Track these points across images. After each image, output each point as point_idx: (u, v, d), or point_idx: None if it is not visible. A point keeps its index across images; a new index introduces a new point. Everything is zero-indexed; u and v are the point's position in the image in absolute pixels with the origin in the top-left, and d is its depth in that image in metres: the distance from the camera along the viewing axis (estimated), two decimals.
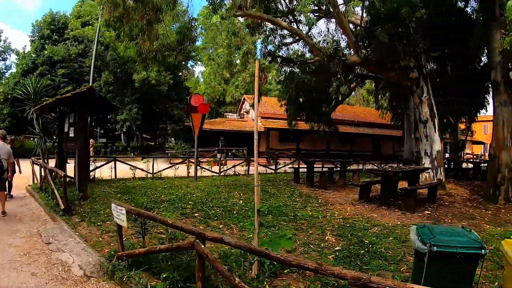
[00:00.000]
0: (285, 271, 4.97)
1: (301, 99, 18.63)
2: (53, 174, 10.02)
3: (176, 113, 35.85)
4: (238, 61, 47.30)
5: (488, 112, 21.66)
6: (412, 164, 18.01)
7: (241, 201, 10.52)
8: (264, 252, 3.31)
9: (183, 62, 35.85)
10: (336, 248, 6.36)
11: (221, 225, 7.93)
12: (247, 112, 36.61)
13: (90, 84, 16.05)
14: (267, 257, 3.46)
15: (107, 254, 5.57)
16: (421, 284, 3.43)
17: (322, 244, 6.59)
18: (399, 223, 8.45)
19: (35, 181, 12.81)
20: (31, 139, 29.79)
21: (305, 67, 17.41)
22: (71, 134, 10.51)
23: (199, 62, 50.25)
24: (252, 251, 3.47)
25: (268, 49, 17.03)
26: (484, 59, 17.21)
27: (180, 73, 39.95)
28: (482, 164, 20.27)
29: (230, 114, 36.51)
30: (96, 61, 29.96)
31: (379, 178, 12.01)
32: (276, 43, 17.36)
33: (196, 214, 8.74)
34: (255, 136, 4.95)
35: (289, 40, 18.29)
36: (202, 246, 3.70)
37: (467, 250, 3.58)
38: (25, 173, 12.14)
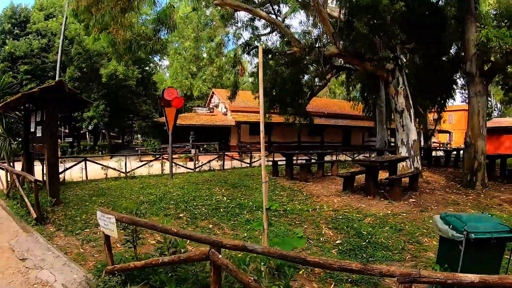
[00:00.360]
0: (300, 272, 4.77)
1: (274, 91, 18.35)
2: (21, 178, 9.29)
3: (144, 109, 34.70)
4: (205, 55, 46.72)
5: (455, 102, 22.37)
6: (385, 153, 18.35)
7: (224, 197, 10.15)
8: (301, 258, 2.97)
9: (157, 54, 34.80)
10: (337, 242, 6.36)
11: (211, 225, 7.56)
12: (216, 106, 36.10)
13: (57, 79, 15.03)
14: (304, 263, 3.16)
15: (93, 269, 5.04)
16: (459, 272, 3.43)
17: (321, 239, 6.54)
18: (389, 212, 8.52)
19: (1, 187, 11.94)
20: None
21: (279, 59, 17.16)
22: (39, 134, 9.70)
23: (164, 57, 49.08)
24: (287, 258, 3.07)
25: (246, 40, 16.68)
26: (452, 51, 17.99)
27: (147, 68, 38.80)
28: (453, 152, 20.90)
29: (200, 108, 35.66)
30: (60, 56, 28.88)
31: (359, 168, 11.92)
32: (254, 34, 17.04)
33: (181, 215, 8.30)
34: (261, 128, 4.74)
35: (264, 31, 18.08)
36: (219, 256, 3.32)
37: (500, 234, 3.65)
38: None
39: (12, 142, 11.44)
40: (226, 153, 19.80)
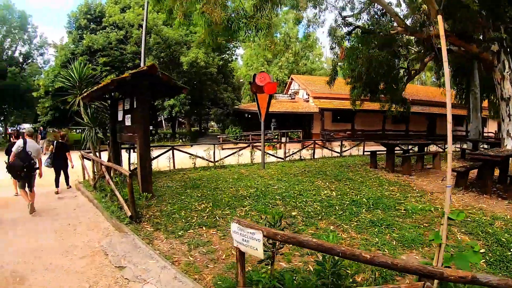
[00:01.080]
0: None
1: (364, 76, 16.71)
2: (109, 170, 8.71)
3: (225, 96, 34.15)
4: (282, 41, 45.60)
5: None
6: (480, 145, 16.75)
7: (333, 193, 9.00)
8: None
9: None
10: (481, 251, 5.19)
11: (331, 226, 6.48)
12: (296, 93, 34.72)
13: (142, 65, 14.54)
14: None
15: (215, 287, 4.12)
16: None
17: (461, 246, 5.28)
18: None
19: (86, 177, 11.61)
20: (75, 131, 29.43)
21: (370, 42, 15.59)
22: (128, 123, 9.09)
23: (238, 44, 48.42)
24: None
25: (346, 19, 15.34)
26: None
27: (225, 55, 38.20)
28: None
29: (280, 95, 34.35)
30: (138, 47, 28.99)
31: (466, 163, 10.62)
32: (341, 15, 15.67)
33: (293, 213, 7.27)
34: (449, 118, 3.34)
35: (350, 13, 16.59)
36: None
37: None
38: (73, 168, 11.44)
39: (98, 132, 11.00)
40: (309, 141, 18.51)
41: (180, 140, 31.92)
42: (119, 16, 29.64)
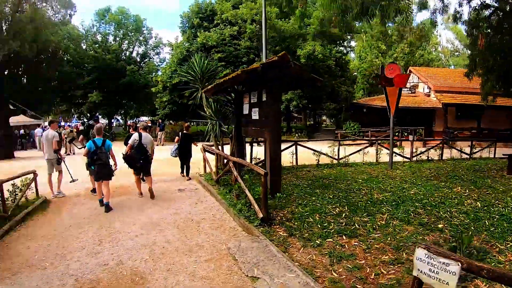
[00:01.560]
0: None
1: (499, 67, 14.42)
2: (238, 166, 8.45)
3: (343, 90, 32.85)
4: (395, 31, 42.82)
5: None
6: None
7: (477, 203, 7.70)
8: None
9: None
10: None
11: (487, 245, 5.33)
12: (415, 86, 32.26)
13: (263, 60, 14.29)
14: None
15: None
16: None
17: None
18: None
19: (207, 170, 11.70)
20: (193, 123, 30.83)
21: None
22: (255, 117, 8.73)
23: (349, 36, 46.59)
24: None
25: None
26: None
27: (340, 48, 36.86)
28: None
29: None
30: (251, 42, 29.18)
31: None
32: None
33: (439, 225, 6.24)
34: None
35: None
36: None
37: None
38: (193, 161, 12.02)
39: (222, 126, 10.91)
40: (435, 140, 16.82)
41: (297, 135, 31.54)
42: (231, 12, 30.08)
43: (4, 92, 23.59)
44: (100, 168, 8.30)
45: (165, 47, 46.91)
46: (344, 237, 5.74)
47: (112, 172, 8.60)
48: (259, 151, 12.91)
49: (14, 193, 8.82)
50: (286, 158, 12.82)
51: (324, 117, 49.90)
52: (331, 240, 5.61)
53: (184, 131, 12.03)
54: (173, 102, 30.66)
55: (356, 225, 6.27)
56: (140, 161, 8.85)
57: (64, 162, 10.49)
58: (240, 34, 30.18)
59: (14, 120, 30.77)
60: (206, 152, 11.58)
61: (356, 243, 5.49)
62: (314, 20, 27.81)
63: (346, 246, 5.37)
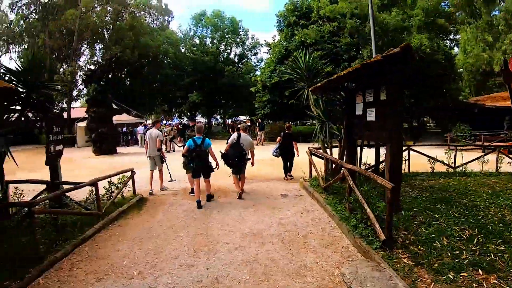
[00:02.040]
0: None
1: None
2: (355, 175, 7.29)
3: (452, 88, 29.39)
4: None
5: None
6: None
7: None
8: None
9: None
10: None
11: None
12: None
13: (373, 57, 12.88)
14: None
15: None
16: None
17: None
18: None
19: (313, 175, 10.70)
20: (291, 122, 30.01)
21: None
22: (370, 118, 7.51)
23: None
24: None
25: None
26: None
27: (446, 41, 33.58)
28: None
29: None
30: (351, 38, 27.55)
31: None
32: None
33: None
34: None
35: None
36: None
37: None
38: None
39: (332, 127, 9.66)
40: None
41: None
42: (329, 7, 28.54)
43: (107, 92, 24.72)
44: (198, 165, 8.57)
45: (262, 47, 47.21)
46: (480, 271, 4.46)
47: (211, 170, 8.83)
48: (365, 154, 11.53)
49: (110, 190, 8.72)
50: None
51: (425, 118, 46.01)
52: (466, 274, 4.37)
53: (286, 131, 11.98)
54: (273, 102, 30.18)
55: (492, 255, 4.86)
56: (235, 158, 9.13)
57: (165, 161, 10.81)
58: (339, 30, 28.65)
59: (117, 119, 32.49)
60: (313, 155, 10.64)
61: (495, 281, 4.22)
62: (418, 11, 25.54)
63: (484, 285, 4.14)
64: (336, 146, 10.42)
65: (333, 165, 9.34)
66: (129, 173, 9.73)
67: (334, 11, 28.24)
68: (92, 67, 32.85)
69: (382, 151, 8.14)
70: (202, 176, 8.75)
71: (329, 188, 8.70)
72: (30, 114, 7.24)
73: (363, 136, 8.56)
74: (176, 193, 10.27)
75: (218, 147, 10.43)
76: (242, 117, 56.83)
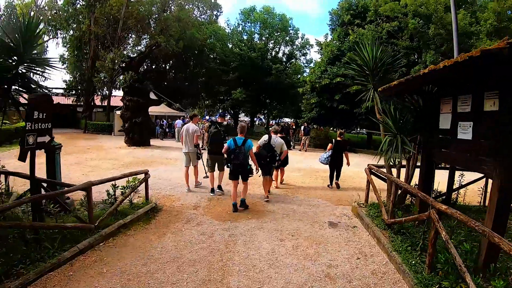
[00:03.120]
0: None
1: None
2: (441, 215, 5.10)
3: None
4: None
5: None
6: None
7: None
8: None
9: None
10: None
11: None
12: None
13: (455, 56, 10.41)
14: None
15: None
16: None
17: None
18: None
19: (369, 199, 8.51)
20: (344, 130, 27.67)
21: None
22: (463, 135, 5.25)
23: None
24: None
25: None
26: None
27: None
28: None
29: None
30: (411, 41, 24.73)
31: None
32: None
33: None
34: None
35: None
36: None
37: None
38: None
39: (406, 142, 6.94)
40: None
41: None
42: (390, 4, 25.63)
43: (144, 81, 23.42)
44: (235, 167, 8.17)
45: (312, 48, 45.11)
46: None
47: (250, 173, 8.44)
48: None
49: (112, 196, 6.97)
50: (472, 193, 9.02)
51: None
52: None
53: (338, 138, 11.42)
54: (321, 105, 27.62)
55: None
56: (266, 158, 9.19)
57: (201, 157, 10.29)
58: (398, 32, 25.83)
59: (157, 110, 31.51)
60: (373, 176, 8.39)
61: None
62: (490, 14, 22.54)
63: None
64: (403, 166, 7.99)
65: (399, 190, 7.09)
66: (142, 175, 8.02)
67: (395, 9, 25.42)
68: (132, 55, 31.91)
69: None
70: (240, 178, 8.33)
71: (395, 226, 6.46)
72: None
73: (449, 160, 6.27)
74: (198, 205, 8.50)
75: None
76: (286, 119, 55.03)
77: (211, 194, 9.60)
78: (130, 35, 39.24)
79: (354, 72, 8.67)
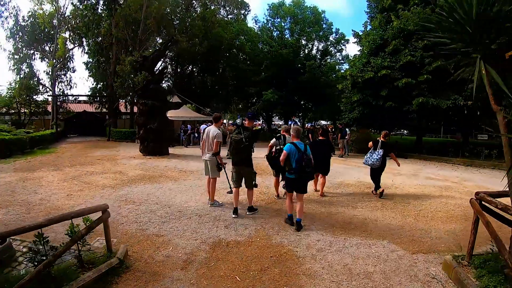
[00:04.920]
0: None
1: None
2: None
3: None
4: None
5: None
6: None
7: None
8: None
9: None
10: None
11: None
12: None
13: None
14: None
15: None
16: None
17: None
18: None
19: (478, 248, 5.03)
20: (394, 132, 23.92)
21: None
22: None
23: None
24: None
25: None
26: None
27: None
28: None
29: None
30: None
31: None
32: None
33: None
34: None
35: None
36: None
37: None
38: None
39: None
40: None
41: None
42: None
43: (159, 81, 20.74)
44: (302, 179, 6.91)
45: (348, 44, 41.79)
46: None
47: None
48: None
49: (43, 254, 4.20)
50: None
51: None
52: None
53: (381, 139, 10.28)
54: (365, 103, 23.51)
55: None
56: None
57: (224, 169, 8.30)
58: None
59: (180, 114, 29.24)
60: (485, 212, 4.68)
61: None
62: None
63: None
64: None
65: None
66: (98, 214, 4.98)
67: None
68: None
69: None
70: (295, 191, 7.05)
71: None
72: None
73: None
74: (191, 257, 5.36)
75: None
76: (323, 122, 52.00)
77: (233, 215, 7.70)
78: (152, 37, 37.36)
79: (445, 33, 5.27)
